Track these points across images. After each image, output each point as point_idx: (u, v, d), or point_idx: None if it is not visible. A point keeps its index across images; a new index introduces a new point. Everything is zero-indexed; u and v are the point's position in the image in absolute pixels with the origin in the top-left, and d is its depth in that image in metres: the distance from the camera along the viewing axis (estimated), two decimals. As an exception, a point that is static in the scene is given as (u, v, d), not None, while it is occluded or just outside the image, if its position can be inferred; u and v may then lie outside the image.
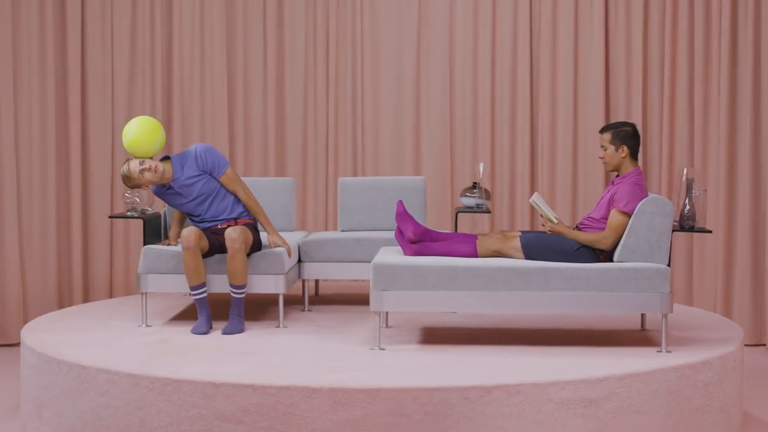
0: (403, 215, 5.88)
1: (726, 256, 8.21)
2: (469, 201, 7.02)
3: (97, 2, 8.58)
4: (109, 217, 6.51)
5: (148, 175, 6.09)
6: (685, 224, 5.81)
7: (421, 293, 5.59)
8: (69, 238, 8.51)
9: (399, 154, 8.68)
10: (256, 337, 5.95)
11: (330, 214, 8.62)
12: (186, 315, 6.59)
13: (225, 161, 6.27)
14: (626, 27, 8.51)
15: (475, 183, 7.08)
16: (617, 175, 5.88)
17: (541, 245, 5.72)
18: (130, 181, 6.10)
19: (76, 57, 8.45)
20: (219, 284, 6.21)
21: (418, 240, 5.86)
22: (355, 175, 8.65)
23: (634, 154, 5.79)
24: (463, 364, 5.30)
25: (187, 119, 8.68)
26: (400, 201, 5.95)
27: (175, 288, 6.22)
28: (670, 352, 5.56)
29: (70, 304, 8.46)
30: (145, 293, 6.27)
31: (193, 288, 6.03)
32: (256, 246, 6.24)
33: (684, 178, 5.90)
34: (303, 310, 6.80)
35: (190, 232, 5.96)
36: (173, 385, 4.98)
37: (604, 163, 5.83)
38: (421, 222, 7.18)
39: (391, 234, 6.91)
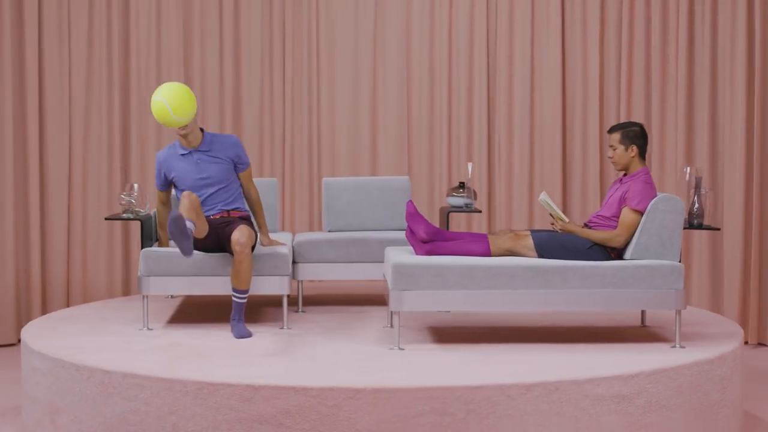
0: (414, 215, 5.89)
1: (713, 254, 8.40)
2: (458, 201, 7.06)
3: (53, 3, 8.40)
4: (106, 218, 6.38)
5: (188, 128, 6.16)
6: (694, 222, 5.93)
7: (440, 293, 5.61)
8: (27, 240, 8.32)
9: (355, 154, 8.68)
10: (267, 339, 5.90)
11: (298, 214, 8.57)
12: (183, 317, 6.51)
13: (248, 159, 6.35)
14: (582, 26, 8.61)
15: (461, 183, 7.12)
16: (624, 174, 5.98)
17: (554, 244, 5.79)
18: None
19: (34, 57, 8.27)
20: (221, 286, 6.11)
21: (430, 240, 5.87)
22: (310, 175, 8.62)
23: (642, 154, 5.90)
24: (490, 362, 5.34)
25: (145, 119, 8.55)
26: (410, 201, 5.96)
27: (177, 290, 6.14)
28: (683, 347, 5.67)
29: (51, 308, 8.33)
30: (146, 296, 6.13)
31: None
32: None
33: (687, 177, 6.02)
34: (297, 311, 6.76)
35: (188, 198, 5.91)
36: (209, 388, 4.91)
37: (613, 162, 5.92)
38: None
39: (388, 234, 6.92)
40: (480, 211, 7.08)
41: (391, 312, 5.84)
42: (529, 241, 5.82)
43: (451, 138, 8.65)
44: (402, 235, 6.87)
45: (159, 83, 8.48)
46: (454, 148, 8.67)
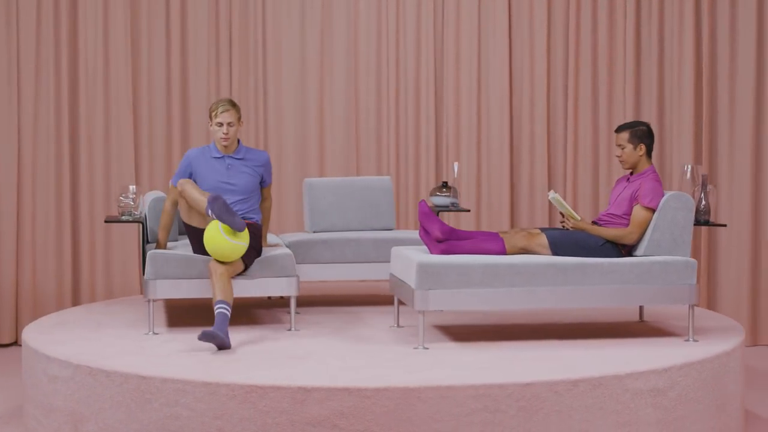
0: (428, 215, 5.92)
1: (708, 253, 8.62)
2: (443, 200, 7.11)
3: (2, 2, 8.20)
4: (106, 221, 6.22)
5: (232, 129, 6.22)
6: (701, 219, 6.10)
7: (465, 291, 5.65)
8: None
9: (302, 156, 8.64)
10: (283, 341, 5.85)
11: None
12: (180, 321, 6.41)
13: (271, 179, 6.47)
14: (530, 26, 8.73)
15: (444, 182, 7.17)
16: (631, 173, 6.11)
17: (568, 241, 5.89)
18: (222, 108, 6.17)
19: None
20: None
21: (446, 239, 5.91)
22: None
23: (649, 152, 6.04)
24: (525, 359, 5.39)
25: (92, 119, 8.39)
26: (423, 201, 5.98)
27: (186, 294, 6.04)
28: (697, 341, 5.83)
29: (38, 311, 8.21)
30: (152, 300, 6.02)
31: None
32: (257, 252, 6.13)
33: (688, 175, 6.19)
34: (289, 313, 6.69)
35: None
36: (258, 391, 4.85)
37: (621, 161, 6.04)
38: (391, 221, 7.24)
39: (386, 234, 6.93)
40: (468, 210, 7.14)
41: (397, 312, 5.90)
42: (543, 239, 5.90)
43: (399, 137, 8.68)
44: (398, 234, 6.90)
45: (106, 82, 8.38)
46: (401, 148, 8.69)
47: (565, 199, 8.63)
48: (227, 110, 6.17)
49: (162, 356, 5.45)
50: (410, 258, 5.77)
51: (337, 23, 8.64)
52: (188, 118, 8.58)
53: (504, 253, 5.88)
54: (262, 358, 5.41)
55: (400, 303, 6.24)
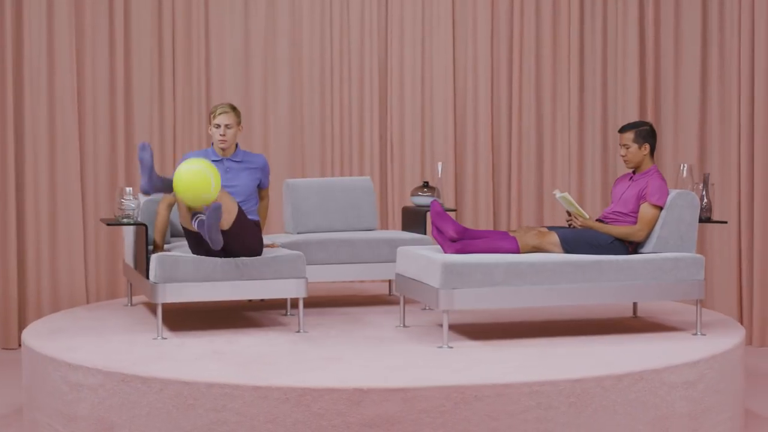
0: (441, 214, 5.94)
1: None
2: (425, 200, 7.12)
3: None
4: (108, 224, 6.04)
5: (230, 131, 6.22)
6: (703, 216, 6.26)
7: (489, 290, 5.69)
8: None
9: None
10: (301, 344, 5.78)
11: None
12: (180, 325, 6.25)
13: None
14: (473, 28, 8.83)
15: (425, 182, 7.19)
16: (633, 172, 6.23)
17: (578, 239, 5.99)
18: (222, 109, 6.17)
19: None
20: (239, 290, 5.97)
21: (460, 238, 5.94)
22: None
23: (652, 151, 6.18)
24: (557, 356, 5.45)
25: (38, 118, 8.18)
26: (435, 200, 6.00)
27: (195, 296, 5.91)
28: (704, 335, 5.98)
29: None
30: (161, 304, 5.88)
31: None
32: (260, 247, 6.07)
33: (684, 174, 6.34)
34: (285, 314, 6.64)
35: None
36: (313, 394, 4.78)
37: (626, 161, 6.16)
38: (374, 222, 7.23)
39: (381, 233, 6.92)
40: (455, 210, 7.17)
41: (403, 312, 5.94)
42: (555, 238, 5.99)
43: (343, 136, 8.67)
44: (394, 234, 6.89)
45: (51, 82, 8.19)
46: (345, 147, 8.68)
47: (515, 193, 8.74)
48: (225, 113, 6.14)
49: (188, 361, 5.33)
50: (431, 258, 5.76)
51: (281, 18, 8.59)
52: (132, 116, 8.43)
53: (518, 251, 5.94)
54: (296, 361, 5.34)
55: (407, 302, 6.20)
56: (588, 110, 8.86)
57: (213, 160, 6.18)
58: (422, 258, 5.87)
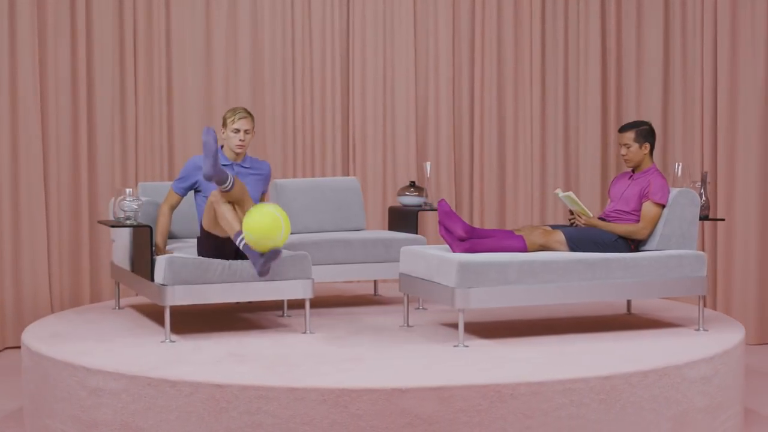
0: (450, 214, 5.96)
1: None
2: (413, 200, 7.13)
3: None
4: (112, 226, 5.92)
5: (248, 136, 6.16)
6: (701, 214, 6.38)
7: (504, 288, 5.72)
8: None
9: None
10: (316, 345, 5.74)
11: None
12: (177, 326, 6.17)
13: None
14: (435, 29, 8.88)
15: (412, 182, 7.20)
16: (633, 171, 6.32)
17: (584, 238, 6.07)
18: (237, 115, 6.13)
19: None
20: (249, 292, 5.92)
21: (468, 237, 5.97)
22: (171, 179, 8.40)
23: (652, 150, 6.28)
24: (574, 353, 5.51)
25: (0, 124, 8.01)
26: (443, 200, 6.02)
27: (203, 299, 5.84)
28: (707, 330, 6.10)
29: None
30: (169, 306, 5.80)
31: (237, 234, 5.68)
32: None
33: (679, 173, 6.46)
34: (282, 315, 6.60)
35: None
36: (351, 394, 4.76)
37: (627, 160, 6.25)
38: (362, 222, 7.23)
39: (375, 233, 6.89)
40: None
41: (407, 311, 6.06)
42: (561, 236, 6.05)
43: (305, 137, 8.66)
44: (389, 235, 6.88)
45: (13, 83, 8.02)
46: (308, 148, 8.67)
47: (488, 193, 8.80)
48: (245, 117, 6.10)
49: (210, 363, 5.25)
50: (445, 257, 5.78)
51: (242, 18, 8.55)
52: (93, 116, 8.30)
53: (525, 250, 5.99)
54: (321, 362, 5.30)
55: (396, 302, 6.19)
56: (550, 111, 8.96)
57: (223, 165, 6.08)
58: (434, 257, 5.87)
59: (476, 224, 8.83)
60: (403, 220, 7.14)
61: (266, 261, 5.51)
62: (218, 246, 5.84)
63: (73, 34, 8.21)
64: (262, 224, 5.44)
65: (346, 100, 8.77)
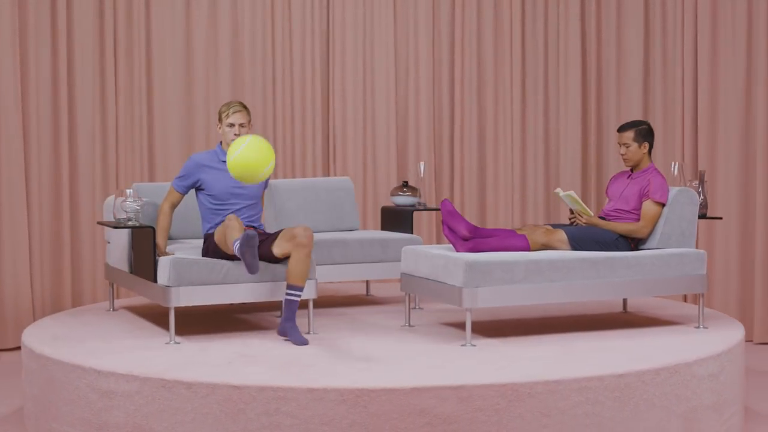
0: (453, 213, 5.97)
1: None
2: (407, 200, 7.13)
3: None
4: (115, 227, 5.86)
5: (243, 130, 6.03)
6: (699, 213, 6.44)
7: (510, 287, 5.74)
8: None
9: (188, 153, 8.48)
10: (327, 346, 5.70)
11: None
12: (177, 328, 6.12)
13: None
14: (415, 30, 8.89)
15: (405, 182, 7.20)
16: (631, 170, 6.37)
17: (585, 237, 6.10)
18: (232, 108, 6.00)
19: None
20: (253, 293, 5.89)
21: (472, 237, 5.98)
22: (151, 179, 8.35)
23: (650, 150, 6.32)
24: (585, 351, 5.54)
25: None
26: (447, 200, 6.03)
27: (208, 300, 5.80)
28: (707, 328, 6.16)
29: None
30: (174, 308, 5.75)
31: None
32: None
33: (675, 172, 6.51)
34: (278, 317, 6.57)
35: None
36: (370, 395, 4.75)
37: (626, 159, 6.29)
38: (356, 222, 7.22)
39: (372, 233, 6.88)
40: (438, 209, 7.21)
41: (408, 311, 5.97)
42: (563, 235, 6.08)
43: (285, 138, 8.65)
44: (385, 235, 6.88)
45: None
46: (288, 149, 8.66)
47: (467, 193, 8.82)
48: (239, 111, 6.01)
49: (222, 365, 5.22)
50: (451, 257, 5.78)
51: (222, 19, 8.51)
52: (75, 116, 8.21)
53: (528, 249, 6.01)
54: (334, 362, 5.28)
55: (389, 302, 6.20)
56: (530, 112, 8.99)
57: (222, 161, 6.05)
58: (439, 257, 5.88)
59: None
60: (396, 220, 7.14)
61: (244, 250, 5.45)
62: (226, 255, 5.81)
63: (53, 35, 8.13)
64: (244, 166, 5.42)
65: (327, 101, 8.75)
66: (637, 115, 8.84)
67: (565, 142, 8.97)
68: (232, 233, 5.60)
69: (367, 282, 7.42)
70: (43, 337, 5.92)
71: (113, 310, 6.82)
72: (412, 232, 7.01)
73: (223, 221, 5.87)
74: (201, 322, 6.35)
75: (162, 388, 4.94)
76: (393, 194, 7.17)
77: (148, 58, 8.39)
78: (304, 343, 5.66)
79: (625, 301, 6.80)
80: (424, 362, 5.27)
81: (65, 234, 8.13)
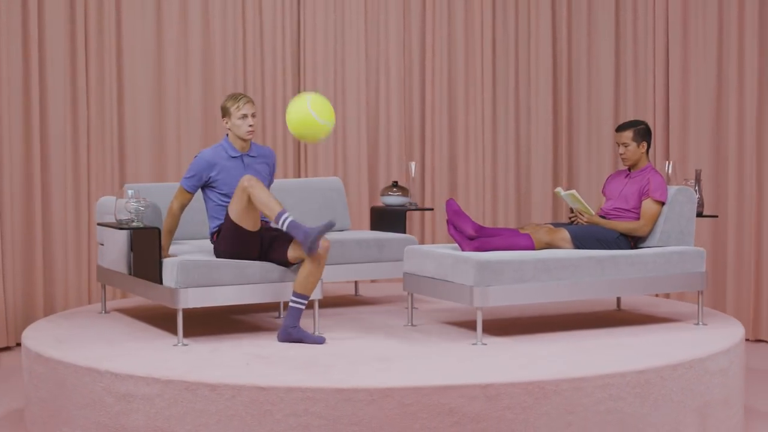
0: (459, 213, 5.98)
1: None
2: (397, 200, 7.13)
3: None
4: (121, 228, 5.77)
5: (255, 120, 5.96)
6: (696, 211, 6.53)
7: (520, 286, 5.77)
8: None
9: (160, 158, 8.42)
10: (339, 346, 5.66)
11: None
12: (188, 331, 6.04)
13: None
14: (385, 29, 8.91)
15: (395, 182, 7.20)
16: (629, 169, 6.43)
17: (587, 236, 6.16)
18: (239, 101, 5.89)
19: None
20: (262, 294, 5.84)
21: (478, 236, 6.00)
22: (121, 180, 8.27)
23: (648, 149, 6.39)
24: (599, 347, 5.59)
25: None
26: (452, 199, 6.04)
27: (217, 301, 5.74)
28: (706, 324, 6.25)
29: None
30: (182, 309, 5.69)
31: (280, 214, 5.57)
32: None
33: (669, 171, 6.60)
34: (278, 317, 6.53)
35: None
36: (399, 393, 4.74)
37: (624, 159, 6.36)
38: (347, 221, 7.21)
39: (367, 234, 6.87)
40: (432, 209, 7.23)
41: (411, 310, 6.00)
42: (566, 234, 6.13)
43: (256, 138, 8.58)
44: (381, 235, 6.87)
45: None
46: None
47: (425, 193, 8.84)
48: (249, 101, 5.93)
49: (239, 366, 5.17)
50: (460, 256, 5.80)
51: (192, 19, 8.46)
52: (46, 117, 8.07)
53: (533, 248, 6.05)
54: (352, 362, 5.26)
55: (400, 300, 6.21)
56: (500, 114, 9.03)
57: (232, 156, 5.94)
58: (447, 257, 5.88)
59: (427, 226, 8.85)
60: (387, 220, 7.13)
61: (320, 234, 5.44)
62: (244, 242, 5.72)
63: (24, 38, 7.98)
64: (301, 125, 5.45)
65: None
66: (608, 120, 8.92)
67: (536, 143, 9.01)
68: (269, 202, 5.52)
69: (356, 282, 7.39)
70: (44, 340, 5.82)
71: (105, 312, 6.71)
72: (405, 232, 7.00)
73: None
74: (200, 324, 6.28)
75: (185, 390, 4.88)
76: (383, 194, 7.16)
77: (118, 61, 8.29)
78: (321, 340, 5.62)
79: (618, 299, 6.86)
80: (442, 361, 5.28)
81: (37, 236, 7.99)
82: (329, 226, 5.42)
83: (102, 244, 6.55)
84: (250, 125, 5.92)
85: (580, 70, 8.99)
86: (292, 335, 5.67)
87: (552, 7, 8.98)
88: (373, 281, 8.30)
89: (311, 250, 5.46)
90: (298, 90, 8.71)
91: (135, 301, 7.17)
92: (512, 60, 9.00)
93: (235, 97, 5.90)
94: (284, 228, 5.48)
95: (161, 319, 6.43)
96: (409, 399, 4.73)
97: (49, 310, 7.98)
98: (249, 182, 5.58)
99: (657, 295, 7.65)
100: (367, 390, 4.74)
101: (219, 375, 4.94)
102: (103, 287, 6.70)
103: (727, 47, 8.46)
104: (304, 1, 8.68)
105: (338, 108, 8.76)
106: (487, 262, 5.68)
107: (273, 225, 5.90)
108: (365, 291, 7.65)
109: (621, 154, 6.37)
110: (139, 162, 8.35)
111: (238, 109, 5.88)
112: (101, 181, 8.21)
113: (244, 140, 5.93)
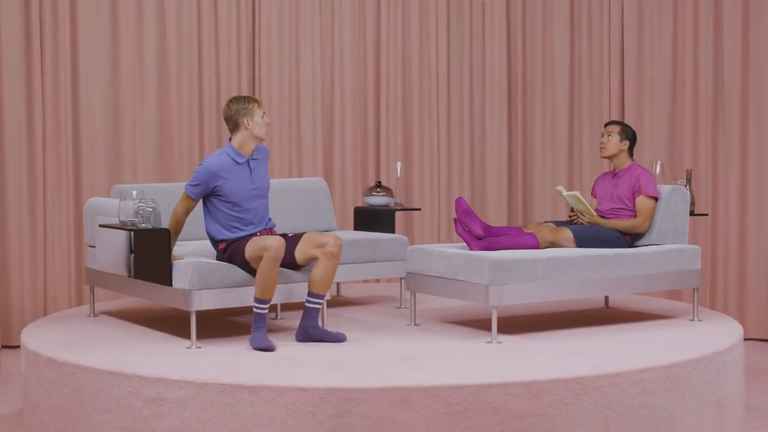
0: (468, 212, 6.00)
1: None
2: (380, 200, 7.10)
3: None
4: (128, 229, 5.62)
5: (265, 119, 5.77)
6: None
7: (533, 284, 5.80)
8: None
9: (115, 161, 8.28)
10: (357, 346, 5.61)
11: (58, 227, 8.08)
12: (183, 332, 5.92)
13: None
14: (340, 27, 8.88)
15: (378, 182, 7.17)
16: (614, 169, 6.52)
17: (589, 235, 6.24)
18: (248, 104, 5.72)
19: None
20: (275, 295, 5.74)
21: (486, 236, 6.03)
22: (75, 184, 8.10)
23: (631, 150, 6.49)
24: (613, 344, 5.65)
25: None
26: (462, 198, 6.05)
27: (229, 303, 5.65)
28: (701, 320, 6.37)
29: None
30: (195, 311, 5.58)
31: (262, 302, 5.53)
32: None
33: (658, 171, 6.71)
34: (276, 318, 6.45)
35: (280, 242, 5.48)
36: (441, 392, 4.73)
37: (602, 148, 6.46)
38: (332, 222, 7.16)
39: (359, 234, 6.83)
40: (419, 209, 7.22)
41: (414, 310, 6.01)
42: (569, 234, 6.19)
43: (212, 140, 8.54)
44: (373, 235, 6.81)
45: None
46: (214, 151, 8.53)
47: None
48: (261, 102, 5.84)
49: (267, 368, 5.09)
50: (473, 256, 5.81)
51: (148, 22, 8.34)
52: (2, 118, 7.86)
53: (538, 246, 6.09)
54: (380, 362, 5.23)
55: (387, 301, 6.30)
56: (455, 115, 9.05)
57: (238, 162, 5.78)
58: (457, 256, 5.88)
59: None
60: (372, 220, 7.09)
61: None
62: (251, 268, 5.69)
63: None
64: None
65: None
66: (564, 122, 9.00)
67: (491, 145, 9.05)
68: (267, 282, 5.52)
69: (338, 283, 7.34)
70: (49, 344, 5.64)
71: (94, 315, 6.54)
72: (393, 232, 6.96)
73: (250, 234, 5.75)
74: (199, 324, 6.14)
75: (222, 393, 4.78)
76: (366, 195, 7.12)
77: (73, 65, 8.12)
78: (342, 338, 5.64)
79: (606, 297, 6.94)
80: (470, 360, 5.28)
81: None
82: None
83: (92, 246, 6.37)
84: (267, 122, 5.81)
85: (535, 71, 9.06)
86: (312, 335, 5.61)
87: (507, 7, 9.02)
88: (355, 282, 8.21)
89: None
90: (253, 91, 8.61)
91: (118, 303, 7.01)
92: (467, 61, 9.02)
93: (249, 99, 5.73)
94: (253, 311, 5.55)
95: (156, 321, 6.33)
96: (454, 398, 4.70)
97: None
98: (275, 253, 5.47)
99: (648, 293, 7.73)
100: (411, 389, 4.71)
101: (256, 377, 4.85)
102: (92, 290, 6.51)
103: (681, 49, 8.63)
104: (259, 2, 8.56)
105: (293, 110, 8.70)
106: (502, 261, 5.69)
107: (280, 233, 5.85)
108: (346, 291, 7.60)
109: (601, 142, 6.47)
110: (93, 166, 8.17)
111: (260, 108, 5.74)
112: (56, 186, 7.99)
113: (262, 139, 5.81)
